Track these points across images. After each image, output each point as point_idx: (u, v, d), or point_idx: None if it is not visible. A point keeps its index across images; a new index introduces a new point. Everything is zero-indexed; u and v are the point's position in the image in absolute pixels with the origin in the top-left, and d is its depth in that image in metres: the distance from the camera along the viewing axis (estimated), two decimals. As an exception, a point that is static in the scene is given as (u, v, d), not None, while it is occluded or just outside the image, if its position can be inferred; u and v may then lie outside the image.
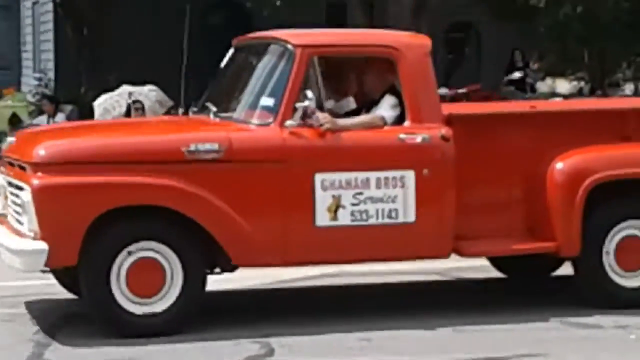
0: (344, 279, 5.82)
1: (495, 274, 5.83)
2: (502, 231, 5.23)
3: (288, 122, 4.66)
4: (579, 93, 14.07)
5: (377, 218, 4.80)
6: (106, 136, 5.20)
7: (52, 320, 4.91)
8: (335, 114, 5.05)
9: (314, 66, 4.90)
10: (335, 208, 4.76)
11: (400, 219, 4.83)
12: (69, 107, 12.58)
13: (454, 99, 10.92)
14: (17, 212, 4.54)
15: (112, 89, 11.08)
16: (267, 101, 4.92)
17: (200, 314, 4.58)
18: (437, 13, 11.15)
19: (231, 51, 5.53)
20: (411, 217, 4.82)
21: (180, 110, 10.45)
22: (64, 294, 5.16)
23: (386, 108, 5.01)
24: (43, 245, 4.19)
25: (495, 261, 5.83)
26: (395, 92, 5.00)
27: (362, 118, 5.09)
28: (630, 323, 4.72)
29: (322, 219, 4.71)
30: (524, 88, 13.83)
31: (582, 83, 14.90)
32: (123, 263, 4.49)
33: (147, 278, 4.56)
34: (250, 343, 4.29)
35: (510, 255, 5.41)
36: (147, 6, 15.03)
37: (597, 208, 5.02)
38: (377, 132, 4.93)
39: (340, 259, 5.10)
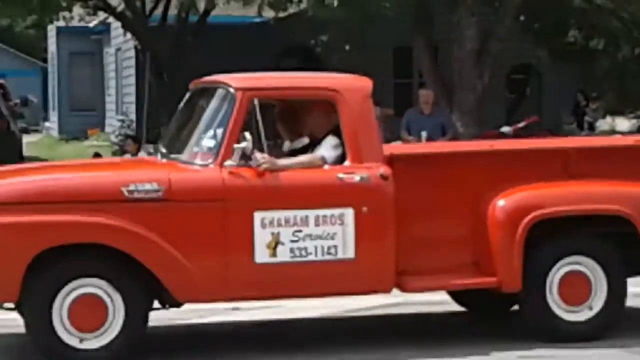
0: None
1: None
2: (445, 266, 5.40)
3: (227, 162, 4.90)
4: (638, 130, 14.72)
5: (316, 255, 5.00)
6: (48, 176, 5.48)
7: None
8: (292, 153, 5.36)
9: (255, 108, 5.15)
10: (275, 245, 4.95)
11: (340, 256, 5.03)
12: (150, 147, 13.27)
13: (516, 135, 11.21)
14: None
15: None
16: (208, 142, 5.20)
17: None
18: (500, 56, 11.69)
19: (187, 94, 5.86)
20: (350, 254, 5.03)
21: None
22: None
23: (327, 148, 5.25)
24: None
25: (456, 296, 6.02)
26: (338, 132, 5.25)
27: (302, 158, 5.32)
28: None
29: (262, 255, 4.91)
30: (582, 126, 14.95)
31: (642, 121, 16.81)
32: (65, 299, 4.70)
33: (89, 313, 4.76)
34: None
35: (455, 290, 5.66)
36: (223, 51, 16.12)
37: (539, 244, 5.22)
38: (317, 172, 5.17)
39: (280, 294, 5.30)
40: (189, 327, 6.06)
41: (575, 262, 5.38)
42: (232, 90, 5.19)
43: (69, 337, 4.76)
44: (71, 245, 4.75)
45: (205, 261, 4.94)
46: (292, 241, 5.01)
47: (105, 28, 22.92)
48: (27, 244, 4.71)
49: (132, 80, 19.65)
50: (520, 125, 12.09)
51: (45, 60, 31.39)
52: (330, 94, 5.37)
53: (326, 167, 5.22)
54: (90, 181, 5.24)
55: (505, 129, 11.11)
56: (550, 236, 5.29)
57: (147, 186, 4.88)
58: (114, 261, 4.79)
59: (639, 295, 6.16)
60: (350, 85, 5.61)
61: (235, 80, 5.37)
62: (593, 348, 5.15)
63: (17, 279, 4.64)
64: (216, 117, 5.39)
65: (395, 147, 6.35)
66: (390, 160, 5.21)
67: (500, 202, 5.26)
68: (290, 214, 5.03)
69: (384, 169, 5.10)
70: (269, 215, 5.00)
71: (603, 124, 15.02)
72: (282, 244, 4.98)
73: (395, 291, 5.35)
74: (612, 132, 14.27)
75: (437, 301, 6.27)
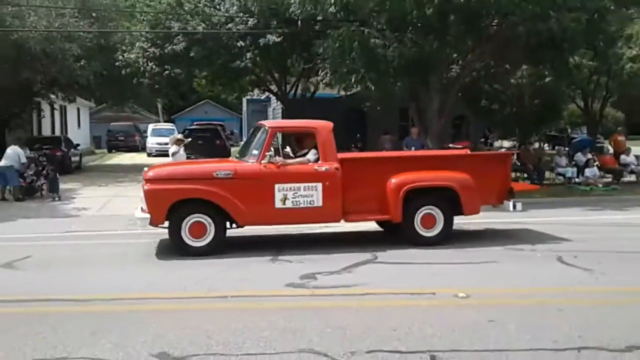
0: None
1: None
2: (367, 210, 9.29)
3: (262, 161, 8.93)
4: (514, 146, 23.91)
5: (304, 204, 8.93)
6: (181, 167, 10.16)
7: None
8: (296, 157, 9.34)
9: (278, 137, 9.35)
10: (284, 199, 8.87)
11: (315, 205, 8.95)
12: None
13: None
14: None
15: None
16: (255, 152, 9.25)
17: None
18: (449, 110, 17.47)
19: (253, 129, 10.80)
20: (320, 204, 8.96)
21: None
22: None
23: (311, 155, 9.18)
24: None
25: (380, 225, 10.22)
26: (316, 148, 9.16)
27: (299, 160, 9.28)
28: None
29: (278, 204, 8.88)
30: (487, 144, 26.71)
31: None
32: (187, 222, 8.61)
33: (198, 229, 8.59)
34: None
35: (376, 221, 9.85)
36: (320, 110, 25.58)
37: (411, 200, 9.16)
38: (306, 166, 9.11)
39: (287, 222, 9.39)
40: (247, 237, 9.79)
41: (429, 208, 9.29)
42: (267, 127, 9.41)
43: (189, 240, 8.68)
44: (190, 199, 8.75)
45: (251, 206, 8.78)
46: (293, 197, 8.89)
47: (268, 99, 38.20)
48: (170, 197, 8.68)
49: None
50: (459, 145, 18.78)
51: (240, 114, 53.90)
52: (313, 130, 9.40)
53: (310, 164, 9.17)
54: (199, 170, 9.51)
55: (451, 145, 18.74)
56: (417, 197, 9.20)
57: (225, 172, 8.89)
58: (209, 206, 8.72)
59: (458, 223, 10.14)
60: (322, 126, 9.48)
61: (269, 122, 9.60)
62: (440, 249, 8.93)
63: (164, 213, 8.61)
64: (260, 140, 9.34)
65: (345, 154, 10.08)
66: (341, 161, 9.22)
67: (393, 180, 9.19)
68: (292, 185, 8.88)
69: (336, 165, 9.05)
70: (281, 185, 8.86)
71: (496, 143, 26.26)
72: (288, 199, 8.88)
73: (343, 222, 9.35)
74: (500, 147, 25.36)
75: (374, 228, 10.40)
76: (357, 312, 6.05)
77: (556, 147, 23.72)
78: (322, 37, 16.43)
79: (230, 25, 21.54)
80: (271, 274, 7.79)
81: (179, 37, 21.76)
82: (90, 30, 24.13)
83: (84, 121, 42.06)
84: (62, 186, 16.97)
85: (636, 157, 19.49)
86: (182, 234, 8.73)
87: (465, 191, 9.25)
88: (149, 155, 33.96)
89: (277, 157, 9.07)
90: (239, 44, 21.41)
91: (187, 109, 57.86)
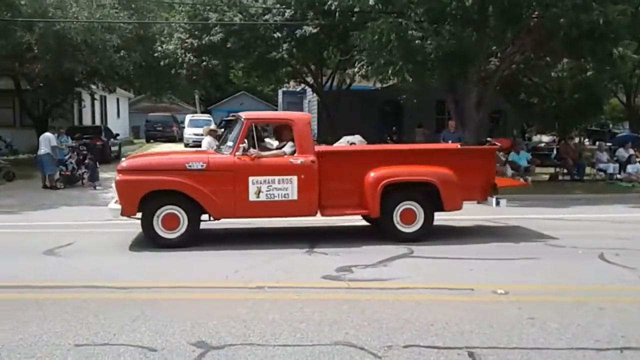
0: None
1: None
2: (344, 204, 8.97)
3: (237, 153, 8.64)
4: (553, 141, 24.16)
5: (279, 197, 8.66)
6: (155, 157, 9.74)
7: None
8: (278, 149, 9.06)
9: (253, 128, 8.93)
10: (258, 192, 8.61)
11: (290, 198, 8.67)
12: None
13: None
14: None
15: (340, 137, 17.13)
16: (229, 143, 9.02)
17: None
18: (487, 104, 17.42)
19: (227, 120, 10.95)
20: (295, 197, 8.69)
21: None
22: None
23: (288, 147, 8.96)
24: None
25: (365, 219, 9.87)
26: (293, 140, 8.92)
27: (274, 152, 9.05)
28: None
29: (252, 197, 8.62)
30: (524, 138, 25.89)
31: None
32: (160, 214, 8.45)
33: (171, 221, 8.47)
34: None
35: (356, 215, 9.40)
36: (356, 103, 27.39)
37: (390, 195, 8.90)
38: (281, 158, 8.86)
39: (261, 216, 9.12)
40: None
41: (408, 204, 9.00)
42: (242, 119, 9.03)
43: (162, 232, 8.57)
44: (163, 190, 8.52)
45: (225, 199, 8.56)
46: (267, 190, 8.60)
47: (303, 91, 37.91)
48: (141, 188, 8.47)
49: (315, 115, 31.24)
50: (497, 142, 18.44)
51: (276, 105, 52.02)
52: (289, 122, 9.21)
53: (286, 156, 8.82)
54: (172, 161, 9.16)
55: (489, 140, 17.65)
56: (396, 191, 8.92)
57: (197, 164, 8.62)
58: (182, 198, 8.53)
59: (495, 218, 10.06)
60: (299, 117, 9.37)
61: (245, 114, 9.24)
62: (478, 244, 8.85)
63: (136, 204, 8.49)
64: (235, 131, 9.05)
65: (322, 147, 10.09)
66: (319, 153, 8.92)
67: (372, 174, 8.91)
68: (266, 177, 8.59)
69: (312, 157, 8.76)
70: (256, 178, 8.59)
71: (535, 138, 26.35)
72: (262, 192, 8.60)
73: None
74: (539, 141, 25.39)
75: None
76: (393, 306, 6.02)
77: (597, 143, 23.26)
78: (359, 29, 16.33)
79: (267, 16, 21.60)
80: (307, 266, 7.81)
81: (216, 28, 21.90)
82: (130, 22, 24.45)
83: (123, 111, 42.74)
84: (101, 175, 17.27)
85: (681, 153, 18.98)
86: (155, 225, 8.65)
87: (446, 186, 8.95)
88: (186, 145, 34.31)
89: (251, 149, 8.84)
90: (275, 35, 21.46)
91: (224, 100, 58.38)
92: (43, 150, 16.40)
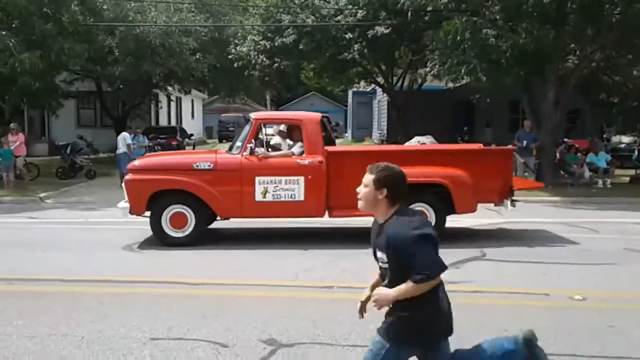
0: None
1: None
2: (351, 205, 8.14)
3: (244, 153, 8.66)
4: (634, 142, 22.55)
5: (285, 198, 8.61)
6: (164, 157, 9.74)
7: None
8: (289, 148, 8.97)
9: (262, 128, 8.95)
10: (265, 192, 8.58)
11: (297, 199, 8.61)
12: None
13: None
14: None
15: (411, 138, 17.08)
16: (239, 144, 8.98)
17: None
18: (564, 104, 16.63)
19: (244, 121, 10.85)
20: (302, 198, 8.62)
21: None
22: None
23: (297, 147, 8.92)
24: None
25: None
26: (303, 140, 8.83)
27: (282, 152, 9.05)
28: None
29: (258, 197, 8.61)
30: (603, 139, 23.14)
31: None
32: (168, 213, 8.51)
33: (179, 220, 8.49)
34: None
35: (363, 216, 8.32)
36: (427, 103, 26.81)
37: None
38: (288, 159, 8.83)
39: (267, 216, 9.00)
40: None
41: (419, 206, 8.41)
42: (252, 118, 9.11)
43: (169, 230, 8.64)
44: (170, 189, 8.59)
45: (231, 199, 8.57)
46: (274, 191, 8.55)
47: (373, 91, 38.53)
48: (150, 187, 8.58)
49: (385, 115, 33.00)
50: (575, 144, 18.42)
51: (345, 106, 53.70)
52: (299, 122, 9.07)
53: (293, 157, 8.77)
54: (180, 161, 9.18)
55: (566, 141, 18.81)
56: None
57: (205, 164, 8.68)
58: (189, 197, 8.57)
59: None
60: (308, 117, 9.16)
61: (255, 114, 9.15)
62: (554, 247, 8.58)
63: (144, 203, 8.60)
64: (245, 132, 9.10)
65: (331, 148, 9.38)
66: (328, 154, 8.77)
67: None
68: (273, 178, 8.55)
69: (320, 158, 8.63)
70: (262, 178, 8.56)
71: (614, 138, 24.17)
72: (269, 192, 8.55)
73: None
74: (619, 142, 23.46)
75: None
76: (465, 310, 5.86)
77: (683, 144, 22.09)
78: (431, 28, 16.13)
79: (339, 17, 21.65)
80: (375, 266, 7.70)
81: (289, 29, 22.14)
82: (206, 25, 25.08)
83: (198, 112, 43.88)
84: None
85: None
86: (163, 224, 8.73)
87: (458, 188, 8.63)
88: (258, 145, 34.94)
89: (258, 150, 8.79)
90: (347, 36, 21.50)
91: (294, 101, 58.97)
92: (121, 149, 16.98)
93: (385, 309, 3.15)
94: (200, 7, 25.92)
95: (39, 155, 23.40)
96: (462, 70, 15.13)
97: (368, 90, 38.94)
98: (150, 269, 7.67)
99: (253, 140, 8.81)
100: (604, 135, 26.92)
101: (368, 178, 3.17)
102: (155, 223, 8.76)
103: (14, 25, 15.95)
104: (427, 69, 20.93)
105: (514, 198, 9.09)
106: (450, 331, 3.28)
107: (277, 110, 55.48)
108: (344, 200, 8.58)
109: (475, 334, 5.12)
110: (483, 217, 11.27)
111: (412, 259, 2.97)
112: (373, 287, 3.36)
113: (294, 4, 22.53)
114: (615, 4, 14.39)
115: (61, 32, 16.48)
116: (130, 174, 8.96)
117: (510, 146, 10.23)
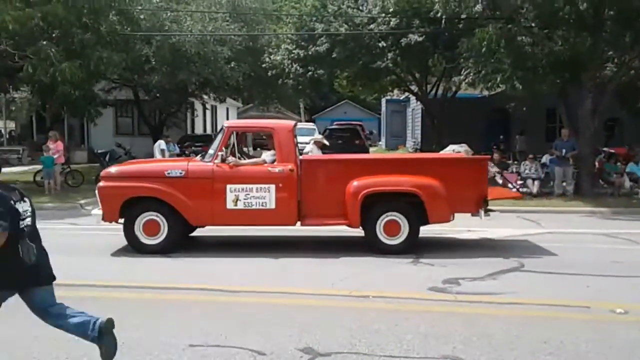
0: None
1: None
2: (325, 214, 8.77)
3: (216, 161, 8.68)
4: None
5: (256, 206, 8.62)
6: (138, 165, 9.60)
7: None
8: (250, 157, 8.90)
9: (233, 136, 9.00)
10: (236, 200, 8.61)
11: (268, 207, 8.62)
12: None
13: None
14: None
15: (446, 146, 17.14)
16: (211, 152, 8.97)
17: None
18: (602, 112, 16.41)
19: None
20: (273, 206, 8.62)
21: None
22: None
23: (268, 156, 8.98)
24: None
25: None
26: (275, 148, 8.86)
27: (253, 160, 9.14)
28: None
29: (230, 205, 8.62)
30: None
31: None
32: (141, 220, 8.61)
33: (151, 227, 8.53)
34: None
35: (336, 226, 8.99)
36: (462, 111, 26.57)
37: (371, 206, 8.58)
38: (259, 167, 8.87)
39: (238, 224, 9.03)
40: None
41: (392, 215, 8.64)
42: (225, 126, 9.10)
43: (143, 237, 8.68)
44: (143, 197, 8.60)
45: (202, 206, 8.63)
46: (245, 199, 8.58)
47: (407, 99, 38.63)
48: (122, 194, 8.63)
49: (419, 124, 33.01)
50: (612, 150, 18.79)
51: (379, 114, 53.61)
52: (270, 130, 9.12)
53: (265, 165, 8.81)
54: (152, 169, 9.21)
55: (605, 149, 18.56)
56: (380, 202, 8.60)
57: (176, 172, 8.75)
58: (162, 205, 8.61)
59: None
60: (280, 126, 9.22)
61: (227, 122, 9.13)
62: (594, 258, 8.49)
63: (117, 210, 8.64)
64: (217, 139, 9.10)
65: (304, 156, 9.68)
66: (301, 162, 8.80)
67: (354, 183, 8.61)
68: (244, 186, 8.58)
69: (291, 166, 8.62)
70: (234, 186, 8.59)
71: None
72: (240, 200, 8.58)
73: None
74: None
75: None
76: (503, 321, 5.83)
77: None
78: (465, 36, 16.03)
79: (372, 25, 21.68)
80: (412, 276, 7.72)
81: (322, 38, 22.24)
82: (240, 34, 25.34)
83: (232, 120, 44.31)
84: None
85: None
86: (137, 231, 8.80)
87: (431, 197, 8.54)
88: (291, 153, 35.18)
89: (229, 158, 8.86)
90: (380, 44, 21.50)
91: (327, 109, 59.18)
92: (157, 156, 17.30)
93: None
94: (234, 16, 26.22)
95: (78, 163, 23.90)
96: (498, 78, 15.00)
97: (402, 98, 38.88)
98: (184, 275, 7.74)
99: (224, 148, 8.89)
100: None
101: None
102: (129, 230, 8.84)
103: (54, 35, 16.31)
104: (462, 77, 20.80)
105: (488, 207, 8.99)
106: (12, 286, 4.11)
107: (310, 118, 55.89)
108: (316, 209, 8.79)
109: (511, 346, 5.08)
110: (520, 227, 11.18)
111: None
112: None
113: (327, 12, 22.64)
114: (654, 11, 14.13)
115: (99, 42, 16.82)
116: (103, 181, 9.03)
117: (486, 155, 10.20)
